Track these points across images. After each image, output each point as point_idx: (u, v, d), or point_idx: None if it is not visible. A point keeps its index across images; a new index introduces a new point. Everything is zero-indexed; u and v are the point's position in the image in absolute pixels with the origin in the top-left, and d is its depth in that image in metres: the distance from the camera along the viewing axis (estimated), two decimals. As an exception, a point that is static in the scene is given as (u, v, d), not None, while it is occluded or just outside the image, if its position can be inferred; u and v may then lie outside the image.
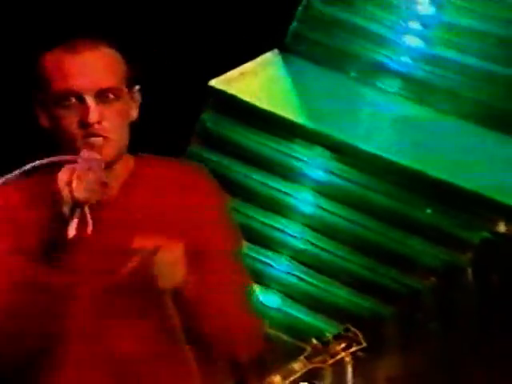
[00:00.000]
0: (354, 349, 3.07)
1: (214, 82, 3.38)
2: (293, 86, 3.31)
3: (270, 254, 3.81)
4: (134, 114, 1.85)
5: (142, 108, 2.16)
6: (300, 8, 3.35)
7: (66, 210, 1.68)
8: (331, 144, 3.12)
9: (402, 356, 3.85)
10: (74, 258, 1.75)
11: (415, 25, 3.16)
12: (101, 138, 1.75)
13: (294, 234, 3.70)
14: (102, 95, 1.76)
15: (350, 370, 3.20)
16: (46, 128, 1.78)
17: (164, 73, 3.27)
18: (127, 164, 1.86)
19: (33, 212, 1.81)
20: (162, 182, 1.90)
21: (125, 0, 3.32)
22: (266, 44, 3.29)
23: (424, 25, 3.17)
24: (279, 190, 3.41)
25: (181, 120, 3.66)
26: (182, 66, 3.40)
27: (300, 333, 3.80)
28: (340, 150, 3.13)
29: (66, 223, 1.70)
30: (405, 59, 3.23)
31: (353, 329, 3.05)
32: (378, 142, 3.16)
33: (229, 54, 3.19)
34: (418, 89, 3.27)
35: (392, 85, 3.25)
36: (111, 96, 1.78)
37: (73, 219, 1.68)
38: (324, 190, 3.32)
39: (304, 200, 3.43)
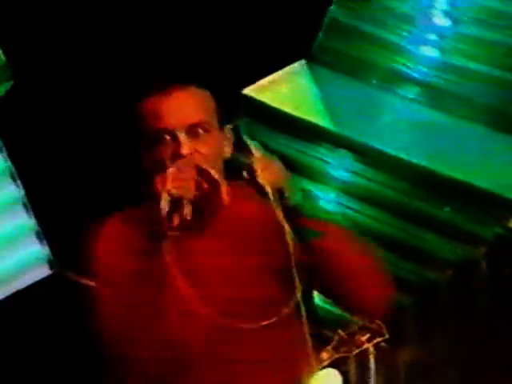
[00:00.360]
0: (377, 340, 3.30)
1: (246, 91, 3.58)
2: (318, 94, 3.50)
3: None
4: (227, 151, 1.96)
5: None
6: (325, 20, 3.60)
7: (164, 204, 1.78)
8: (354, 146, 3.34)
9: (420, 346, 4.08)
10: (189, 259, 1.85)
11: (431, 36, 3.39)
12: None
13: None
14: (192, 130, 1.88)
15: (372, 360, 3.42)
16: (148, 171, 1.88)
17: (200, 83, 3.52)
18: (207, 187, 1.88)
19: (137, 238, 1.88)
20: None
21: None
22: (293, 55, 3.53)
23: (440, 35, 3.40)
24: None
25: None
26: (214, 76, 3.63)
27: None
28: (363, 152, 3.34)
29: (166, 219, 1.79)
30: (421, 68, 3.44)
31: (377, 321, 3.27)
32: (397, 144, 3.36)
33: (258, 65, 3.44)
34: (433, 95, 3.47)
35: (410, 91, 3.46)
36: (201, 131, 1.91)
37: (173, 214, 1.78)
38: (347, 189, 3.54)
39: (328, 199, 3.67)
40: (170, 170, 1.79)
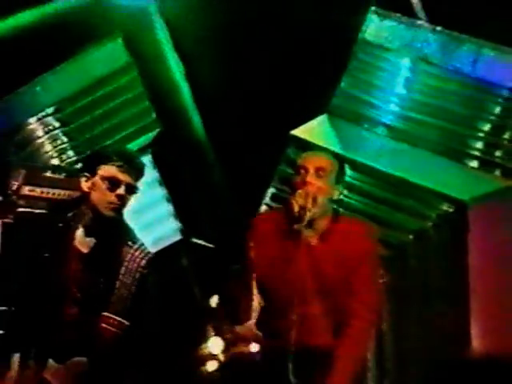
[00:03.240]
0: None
1: (294, 132, 5.51)
2: (334, 134, 5.54)
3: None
4: (335, 194, 3.26)
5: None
6: (342, 84, 5.51)
7: (296, 208, 3.10)
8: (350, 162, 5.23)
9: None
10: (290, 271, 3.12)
11: (394, 98, 5.45)
12: (310, 194, 3.13)
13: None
14: (317, 171, 3.21)
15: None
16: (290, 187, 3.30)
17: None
18: (326, 221, 3.21)
19: (276, 228, 3.23)
20: (345, 233, 3.21)
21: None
22: (318, 111, 5.52)
23: (400, 98, 5.49)
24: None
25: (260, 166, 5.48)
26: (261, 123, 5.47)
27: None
28: (355, 165, 5.40)
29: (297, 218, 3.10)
30: (390, 117, 5.51)
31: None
32: (376, 160, 5.41)
33: (294, 117, 5.42)
34: (397, 133, 5.47)
35: (383, 131, 5.52)
36: (322, 173, 3.22)
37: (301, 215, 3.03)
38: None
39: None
40: (300, 191, 3.13)
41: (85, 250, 3.71)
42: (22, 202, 5.14)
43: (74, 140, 5.96)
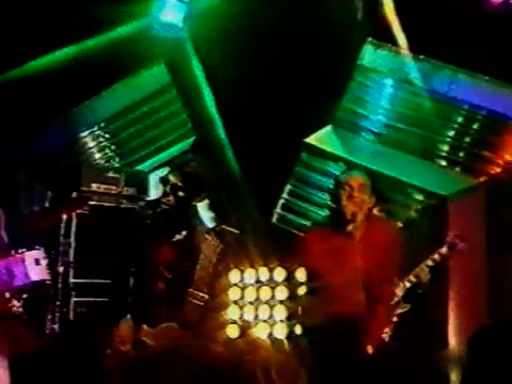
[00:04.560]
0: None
1: (308, 140, 6.73)
2: (338, 140, 6.90)
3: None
4: (371, 203, 4.61)
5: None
6: (343, 101, 6.82)
7: (348, 214, 4.49)
8: (347, 161, 6.68)
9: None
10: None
11: (380, 110, 6.76)
12: (358, 204, 4.52)
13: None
14: (360, 187, 4.62)
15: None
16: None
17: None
18: (365, 220, 4.55)
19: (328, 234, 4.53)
20: (381, 230, 4.54)
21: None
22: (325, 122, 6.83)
23: (384, 110, 6.80)
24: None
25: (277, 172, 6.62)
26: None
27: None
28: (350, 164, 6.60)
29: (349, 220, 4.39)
30: (378, 125, 6.83)
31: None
32: (367, 160, 6.59)
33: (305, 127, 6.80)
34: (383, 139, 6.75)
35: (372, 137, 6.83)
36: (363, 189, 4.66)
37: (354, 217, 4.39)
38: None
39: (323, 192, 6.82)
40: (349, 202, 4.50)
41: (173, 239, 4.94)
42: (91, 197, 6.41)
43: (120, 149, 7.22)
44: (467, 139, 6.73)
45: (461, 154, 6.77)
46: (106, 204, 6.34)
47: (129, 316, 4.81)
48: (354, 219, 4.52)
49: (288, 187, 6.97)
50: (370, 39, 6.70)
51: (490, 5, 6.34)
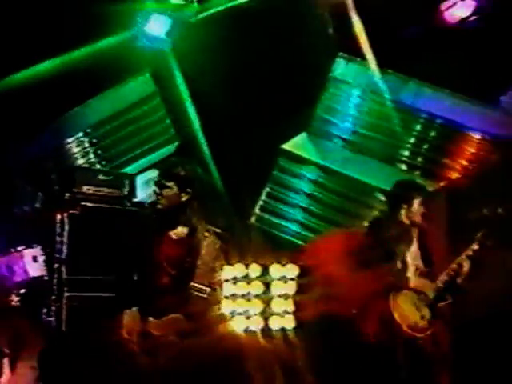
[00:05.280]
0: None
1: (284, 146, 7.37)
2: (311, 146, 7.52)
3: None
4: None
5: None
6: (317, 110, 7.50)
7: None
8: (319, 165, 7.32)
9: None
10: None
11: (348, 118, 7.43)
12: None
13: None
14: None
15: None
16: None
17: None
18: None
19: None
20: None
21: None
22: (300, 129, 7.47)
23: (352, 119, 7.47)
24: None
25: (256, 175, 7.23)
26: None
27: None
28: (322, 168, 7.31)
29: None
30: (346, 132, 7.50)
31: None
32: (337, 164, 7.33)
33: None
34: (351, 146, 7.42)
35: (341, 143, 7.49)
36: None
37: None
38: (312, 187, 7.43)
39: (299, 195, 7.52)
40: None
41: (175, 237, 5.32)
42: (82, 198, 6.77)
43: (102, 155, 7.68)
44: (425, 146, 7.44)
45: (419, 159, 7.48)
46: (98, 205, 6.74)
47: (135, 308, 5.18)
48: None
49: (266, 190, 7.53)
50: (341, 54, 7.31)
51: (447, 24, 7.11)
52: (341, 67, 7.39)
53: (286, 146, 7.46)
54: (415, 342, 5.41)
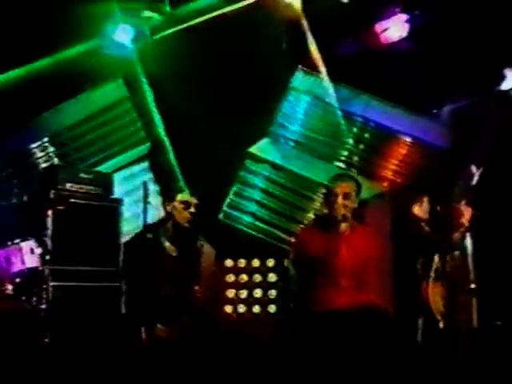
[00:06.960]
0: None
1: (250, 150, 8.15)
2: (272, 149, 8.26)
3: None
4: (355, 204, 5.30)
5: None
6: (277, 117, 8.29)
7: (340, 214, 5.21)
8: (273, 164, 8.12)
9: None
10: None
11: (296, 121, 8.30)
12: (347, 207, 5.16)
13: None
14: (345, 195, 5.22)
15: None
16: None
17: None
18: (349, 223, 5.21)
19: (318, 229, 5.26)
20: (363, 231, 5.28)
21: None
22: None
23: (300, 121, 8.43)
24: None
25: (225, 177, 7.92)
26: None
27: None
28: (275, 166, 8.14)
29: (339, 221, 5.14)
30: (296, 134, 8.26)
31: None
32: (291, 165, 8.09)
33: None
34: (300, 147, 8.17)
35: (293, 145, 8.21)
36: (348, 196, 5.26)
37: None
38: (267, 185, 8.18)
39: (253, 192, 8.24)
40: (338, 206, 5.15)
41: (174, 254, 5.76)
42: (67, 195, 7.30)
43: (66, 158, 8.20)
44: (361, 146, 8.24)
45: (355, 158, 8.27)
46: (81, 202, 7.31)
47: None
48: (345, 219, 5.24)
49: (233, 189, 8.28)
50: (300, 67, 8.12)
51: (383, 44, 7.77)
52: (299, 79, 8.14)
53: (251, 150, 8.25)
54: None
